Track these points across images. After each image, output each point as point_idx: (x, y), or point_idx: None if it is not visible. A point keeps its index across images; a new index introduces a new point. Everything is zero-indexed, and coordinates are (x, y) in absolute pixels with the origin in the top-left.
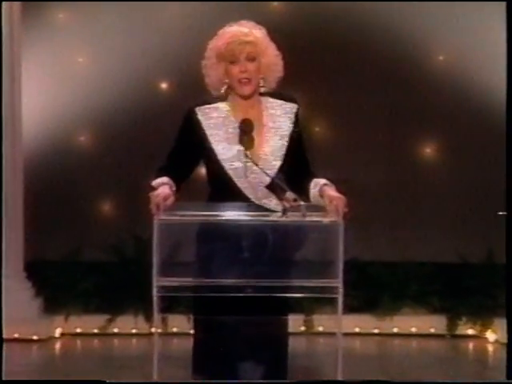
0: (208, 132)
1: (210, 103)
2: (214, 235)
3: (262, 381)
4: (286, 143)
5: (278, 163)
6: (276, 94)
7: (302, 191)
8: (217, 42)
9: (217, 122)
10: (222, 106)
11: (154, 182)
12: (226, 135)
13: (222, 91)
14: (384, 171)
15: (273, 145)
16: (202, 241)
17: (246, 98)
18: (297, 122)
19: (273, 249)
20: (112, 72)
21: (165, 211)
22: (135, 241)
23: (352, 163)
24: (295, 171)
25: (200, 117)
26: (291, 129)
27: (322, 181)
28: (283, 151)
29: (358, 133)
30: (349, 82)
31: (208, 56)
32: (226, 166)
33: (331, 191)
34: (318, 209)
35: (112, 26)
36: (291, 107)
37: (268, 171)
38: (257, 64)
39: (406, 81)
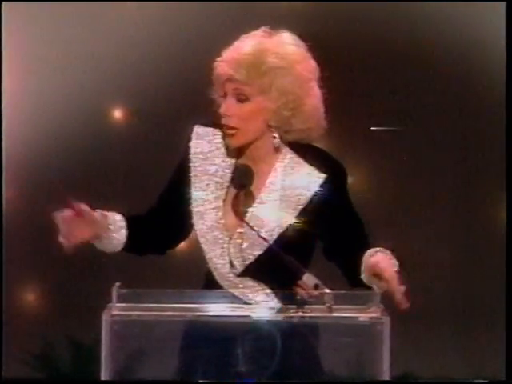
0: (192, 171)
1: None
2: (195, 338)
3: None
4: (297, 209)
5: (278, 225)
6: (304, 149)
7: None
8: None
9: (204, 157)
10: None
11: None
12: (212, 179)
13: None
14: (452, 245)
15: (272, 205)
16: (175, 347)
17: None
18: (330, 196)
19: (282, 359)
20: (43, 92)
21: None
22: (72, 347)
23: (406, 232)
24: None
25: (193, 142)
26: (308, 200)
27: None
28: (292, 216)
29: (414, 188)
30: (400, 109)
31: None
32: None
33: (378, 257)
34: (353, 299)
35: (47, 27)
36: (316, 177)
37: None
38: (253, 106)
39: (486, 113)
